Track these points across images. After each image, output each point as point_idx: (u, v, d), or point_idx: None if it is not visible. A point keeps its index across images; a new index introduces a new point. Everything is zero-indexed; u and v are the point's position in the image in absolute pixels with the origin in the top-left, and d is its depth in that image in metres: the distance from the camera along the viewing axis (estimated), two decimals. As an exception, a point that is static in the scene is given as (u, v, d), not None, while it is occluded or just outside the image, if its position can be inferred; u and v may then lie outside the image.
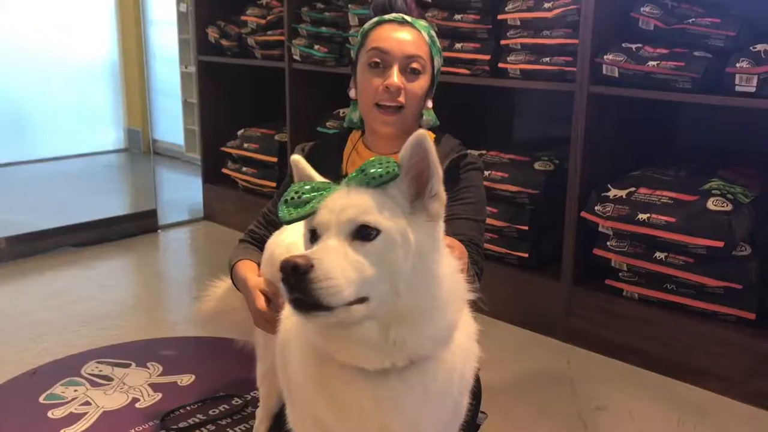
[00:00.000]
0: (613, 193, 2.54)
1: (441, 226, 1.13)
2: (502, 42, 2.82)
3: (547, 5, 2.66)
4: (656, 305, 2.49)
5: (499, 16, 2.81)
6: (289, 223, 1.09)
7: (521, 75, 2.77)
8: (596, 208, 2.54)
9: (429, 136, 1.08)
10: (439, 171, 1.09)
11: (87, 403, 2.30)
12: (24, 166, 5.54)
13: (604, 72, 2.50)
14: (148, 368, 2.54)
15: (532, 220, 2.79)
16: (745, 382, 2.29)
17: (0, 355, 2.64)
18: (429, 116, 1.76)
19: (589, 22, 2.50)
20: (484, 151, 2.94)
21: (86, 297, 3.22)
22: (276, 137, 3.93)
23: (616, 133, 2.69)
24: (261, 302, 1.58)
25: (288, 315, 1.32)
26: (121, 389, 2.39)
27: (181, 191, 5.01)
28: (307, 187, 1.12)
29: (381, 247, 1.04)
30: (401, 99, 1.65)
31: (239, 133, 4.15)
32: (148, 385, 2.42)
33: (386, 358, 1.09)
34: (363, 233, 1.04)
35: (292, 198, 1.10)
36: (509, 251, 2.83)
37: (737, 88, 2.23)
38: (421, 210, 1.10)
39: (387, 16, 1.70)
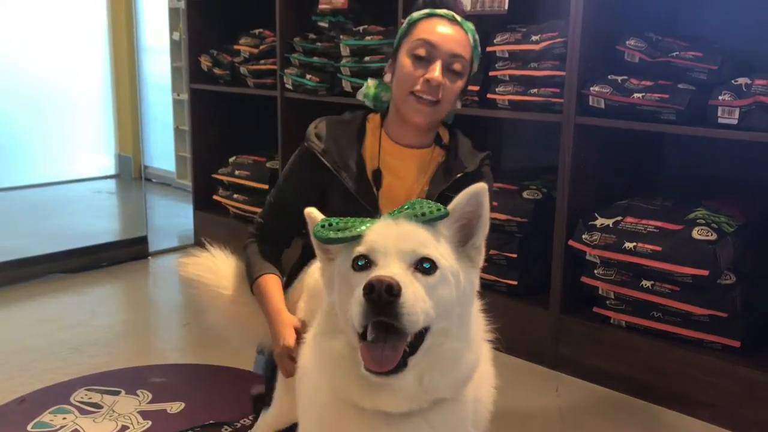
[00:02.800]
0: (600, 221, 2.58)
1: (479, 275, 1.14)
2: (491, 73, 2.87)
3: (534, 38, 2.72)
4: (643, 333, 2.51)
5: (488, 49, 2.86)
6: (330, 242, 1.07)
7: (510, 106, 2.82)
8: (583, 236, 2.58)
9: (487, 192, 1.10)
10: (487, 225, 1.12)
11: (76, 431, 2.30)
12: (14, 192, 5.53)
13: (590, 103, 2.55)
14: (138, 396, 2.53)
15: (521, 248, 2.83)
16: (731, 409, 2.31)
17: (-12, 383, 2.63)
18: (450, 115, 1.81)
19: (576, 54, 2.55)
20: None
21: (76, 324, 3.21)
22: (267, 164, 3.96)
23: (603, 163, 2.73)
24: (292, 339, 1.53)
25: (306, 350, 1.26)
26: (111, 417, 2.38)
27: (172, 218, 5.02)
28: (343, 220, 1.10)
29: (437, 284, 1.02)
30: (439, 95, 1.65)
31: (231, 160, 4.18)
32: (138, 412, 2.41)
33: (414, 403, 1.06)
34: (423, 266, 1.02)
35: (331, 225, 1.08)
36: (498, 279, 2.86)
37: (720, 120, 2.29)
38: (464, 257, 1.11)
39: (438, 11, 1.70)
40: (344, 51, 3.38)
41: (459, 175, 1.70)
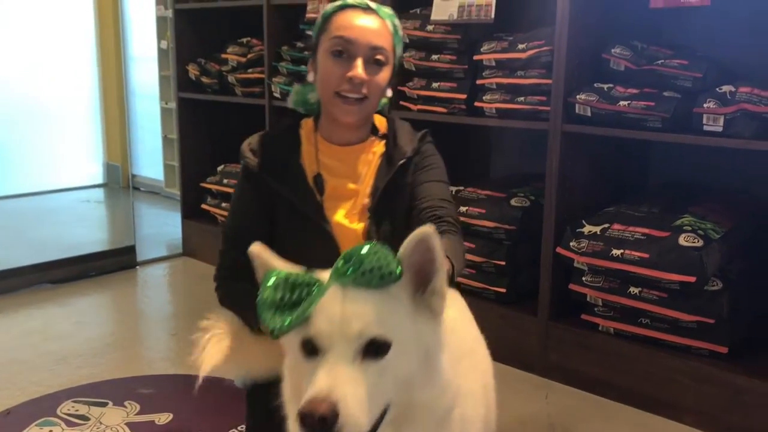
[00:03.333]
0: (588, 229, 2.59)
1: (442, 321, 1.05)
2: (478, 82, 2.89)
3: (521, 46, 2.73)
4: (631, 339, 2.52)
5: (475, 57, 2.88)
6: (280, 335, 0.99)
7: (497, 114, 2.83)
8: (571, 243, 2.59)
9: (433, 235, 0.99)
10: (443, 269, 1.02)
11: (62, 444, 2.28)
12: (1, 201, 5.51)
13: (577, 111, 2.57)
14: (126, 407, 2.52)
15: (509, 255, 2.83)
16: (719, 415, 2.32)
17: (-27, 395, 2.61)
18: (383, 102, 1.75)
19: (562, 63, 2.57)
20: (461, 188, 2.99)
21: (62, 335, 3.19)
22: (256, 173, 3.95)
23: (590, 171, 2.75)
24: None
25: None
26: (98, 429, 2.36)
27: (160, 227, 5.00)
28: (290, 281, 1.00)
29: (394, 361, 0.96)
30: (364, 91, 1.59)
31: (219, 168, 4.17)
32: (125, 424, 2.40)
33: None
34: (373, 348, 0.95)
35: (274, 301, 0.99)
36: (487, 286, 2.86)
37: (705, 128, 2.30)
38: (423, 306, 1.02)
39: (351, 1, 1.64)
40: (332, 59, 3.38)
41: (401, 162, 1.66)
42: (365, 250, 0.98)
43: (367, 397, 0.92)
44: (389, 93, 1.71)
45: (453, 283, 1.38)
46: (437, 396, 1.03)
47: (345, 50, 1.59)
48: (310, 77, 1.70)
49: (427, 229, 0.99)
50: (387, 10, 1.66)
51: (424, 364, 1.00)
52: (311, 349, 0.97)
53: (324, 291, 0.98)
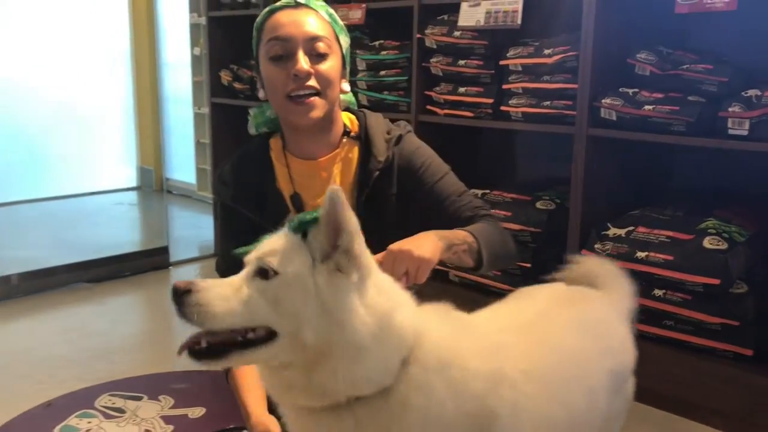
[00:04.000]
0: (613, 231, 2.61)
1: (354, 278, 1.12)
2: (504, 86, 2.93)
3: (546, 51, 2.77)
4: (656, 341, 2.54)
5: (501, 62, 2.92)
6: (240, 256, 1.19)
7: (523, 118, 2.87)
8: (596, 246, 2.61)
9: (341, 191, 1.09)
10: (350, 228, 1.10)
11: (100, 435, 2.37)
12: (39, 204, 5.66)
13: (602, 115, 2.60)
14: (160, 401, 2.60)
15: (535, 257, 2.86)
16: (744, 418, 2.33)
17: (15, 389, 2.71)
18: (347, 98, 1.68)
19: (588, 67, 2.60)
20: (487, 191, 3.03)
21: (99, 332, 3.29)
22: (286, 176, 4.03)
23: (615, 174, 2.77)
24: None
25: None
26: (134, 421, 2.45)
27: (192, 229, 5.10)
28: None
29: (276, 288, 1.10)
30: (313, 84, 1.52)
31: (250, 172, 4.26)
32: (160, 417, 2.48)
33: (317, 399, 1.12)
34: (262, 272, 1.12)
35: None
36: (511, 287, 2.88)
37: (730, 132, 2.32)
38: (333, 262, 1.11)
39: (277, 4, 1.58)
40: (360, 65, 3.45)
41: (376, 174, 1.59)
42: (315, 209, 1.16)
43: (230, 298, 1.10)
44: (346, 87, 1.64)
45: (492, 259, 1.54)
46: (354, 351, 1.09)
47: (283, 50, 1.53)
48: (261, 94, 1.65)
49: (334, 187, 1.09)
50: (318, 2, 1.60)
51: (324, 312, 1.09)
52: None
53: (276, 233, 1.18)
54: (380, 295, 1.14)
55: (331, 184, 1.49)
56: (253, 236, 1.45)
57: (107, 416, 2.49)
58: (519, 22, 2.78)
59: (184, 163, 6.08)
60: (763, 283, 2.43)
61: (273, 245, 1.14)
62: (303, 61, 1.51)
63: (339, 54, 1.59)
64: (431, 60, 3.15)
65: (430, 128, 3.12)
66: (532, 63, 2.83)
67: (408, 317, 1.16)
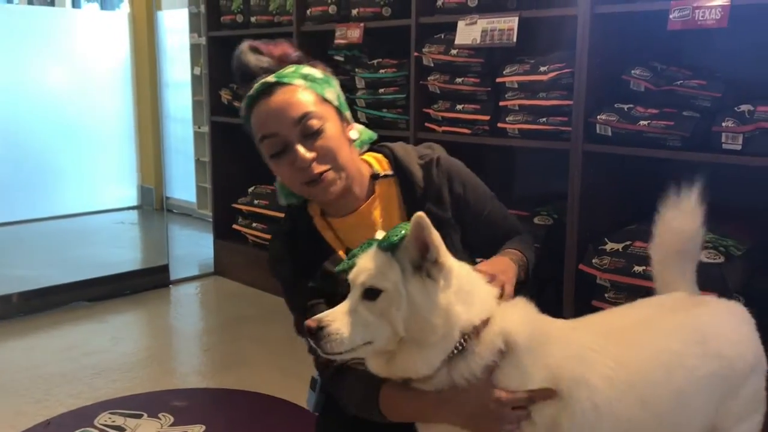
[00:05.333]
0: (610, 246, 2.62)
1: (441, 283, 1.30)
2: (501, 103, 2.95)
3: (542, 69, 2.80)
4: (654, 356, 2.54)
5: (498, 80, 2.95)
6: (340, 273, 1.37)
7: (519, 134, 2.89)
8: (594, 261, 2.63)
9: (424, 219, 1.25)
10: (436, 243, 1.27)
11: (100, 453, 2.37)
12: (39, 223, 5.68)
13: (597, 131, 2.62)
14: (160, 419, 2.60)
15: (533, 272, 2.87)
16: None
17: (15, 407, 2.71)
18: (364, 138, 1.62)
19: (583, 84, 2.63)
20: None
21: (99, 350, 3.30)
22: (285, 194, 4.05)
23: (612, 189, 2.79)
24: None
25: None
26: (134, 439, 2.46)
27: (193, 247, 5.12)
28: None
29: (382, 305, 1.28)
30: (321, 167, 1.47)
31: (250, 190, 4.29)
32: (160, 435, 2.49)
33: (411, 373, 1.33)
34: (369, 293, 1.28)
35: (353, 254, 1.36)
36: (511, 303, 2.90)
37: (724, 146, 2.34)
38: (425, 272, 1.29)
39: (252, 91, 1.49)
40: (359, 83, 3.48)
41: (426, 204, 1.56)
42: (400, 225, 1.31)
43: (352, 323, 1.27)
44: (354, 134, 1.58)
45: (531, 272, 1.64)
46: (426, 344, 1.29)
47: (278, 146, 1.47)
48: (279, 178, 1.60)
49: (418, 215, 1.25)
50: (289, 70, 1.51)
51: (411, 316, 1.28)
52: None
53: (365, 250, 1.34)
54: (458, 295, 1.31)
55: (376, 226, 1.55)
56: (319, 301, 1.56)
57: (107, 434, 2.49)
58: (514, 40, 2.81)
59: (184, 182, 6.11)
60: (759, 297, 2.44)
61: (369, 265, 1.30)
62: (302, 152, 1.46)
63: (333, 113, 1.52)
64: (429, 78, 3.18)
65: (428, 145, 3.15)
66: (528, 80, 2.86)
67: (479, 315, 1.33)
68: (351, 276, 1.32)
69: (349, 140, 1.56)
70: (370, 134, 1.65)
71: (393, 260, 1.29)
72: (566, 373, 1.32)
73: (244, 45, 1.57)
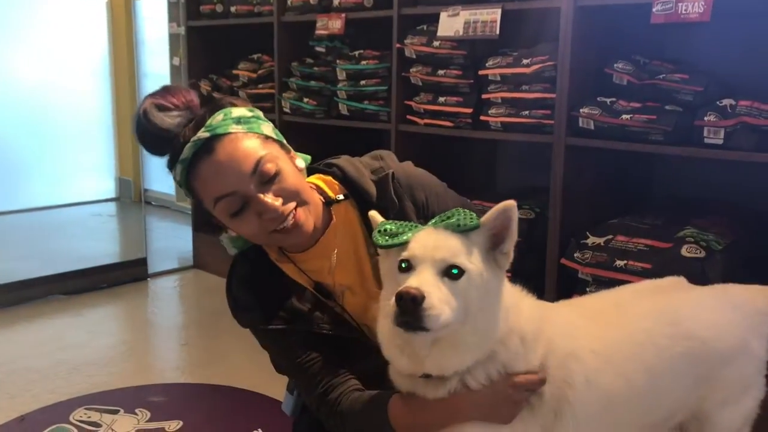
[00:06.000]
0: (592, 240, 2.62)
1: (504, 275, 1.31)
2: (484, 96, 2.94)
3: (525, 61, 2.79)
4: (635, 350, 2.54)
5: (480, 72, 2.93)
6: (384, 248, 1.27)
7: (502, 127, 2.88)
8: (575, 255, 2.62)
9: (515, 208, 1.24)
10: (515, 236, 1.26)
11: (75, 449, 2.33)
12: (16, 215, 5.59)
13: (580, 124, 2.61)
14: (137, 414, 2.56)
15: (515, 266, 2.86)
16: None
17: (-12, 402, 2.66)
18: (304, 166, 1.50)
19: (566, 77, 2.62)
20: (467, 200, 3.03)
21: (75, 344, 3.25)
22: (265, 187, 4.02)
23: (594, 183, 2.79)
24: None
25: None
26: (110, 435, 2.42)
27: (171, 240, 5.07)
28: (398, 222, 1.30)
29: (464, 285, 1.22)
30: (286, 208, 1.37)
31: (229, 182, 4.23)
32: (137, 431, 2.45)
33: (425, 370, 1.28)
34: (450, 272, 1.21)
35: (386, 230, 1.28)
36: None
37: (706, 140, 2.34)
38: (492, 260, 1.28)
39: (187, 153, 1.35)
40: (341, 75, 3.45)
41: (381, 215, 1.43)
42: (457, 210, 1.28)
43: (446, 298, 1.19)
44: (300, 163, 1.48)
45: None
46: (476, 342, 1.26)
47: (238, 204, 1.36)
48: (232, 232, 1.48)
49: (511, 203, 1.23)
50: (218, 118, 1.37)
51: (483, 301, 1.24)
52: (406, 267, 1.23)
53: (420, 230, 1.27)
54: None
55: (333, 253, 1.50)
56: (303, 340, 1.47)
57: (82, 430, 2.45)
58: (497, 32, 2.79)
59: (163, 174, 5.95)
60: (740, 291, 2.45)
61: (447, 243, 1.23)
62: (269, 201, 1.35)
63: (278, 148, 1.43)
64: (411, 70, 3.16)
65: (410, 138, 3.13)
66: (511, 73, 2.84)
67: (528, 323, 1.35)
68: (420, 251, 1.22)
69: (300, 171, 1.47)
70: (306, 158, 1.54)
71: (469, 240, 1.25)
72: (559, 348, 1.36)
73: (145, 106, 1.39)
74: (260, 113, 1.48)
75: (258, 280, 1.49)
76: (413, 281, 1.18)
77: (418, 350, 1.26)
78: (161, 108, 1.39)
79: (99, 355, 3.14)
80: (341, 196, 1.53)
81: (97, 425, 2.48)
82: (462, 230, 1.25)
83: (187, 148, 1.35)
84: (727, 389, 1.57)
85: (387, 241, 1.26)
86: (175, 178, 1.41)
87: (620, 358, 1.44)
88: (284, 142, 1.48)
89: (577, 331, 1.42)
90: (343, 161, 1.56)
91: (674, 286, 1.73)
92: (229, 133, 1.36)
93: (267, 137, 1.42)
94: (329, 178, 1.55)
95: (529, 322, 1.35)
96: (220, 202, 1.36)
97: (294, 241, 1.44)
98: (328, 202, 1.52)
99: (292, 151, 1.49)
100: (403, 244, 1.25)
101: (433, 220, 1.29)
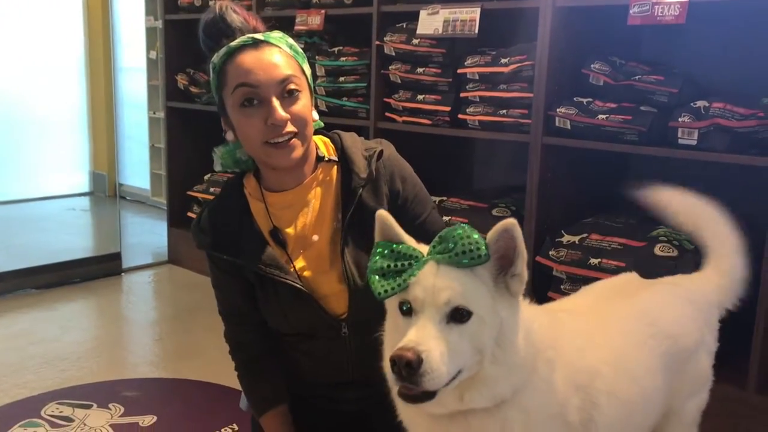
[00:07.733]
0: (567, 238, 2.65)
1: (521, 301, 1.20)
2: (462, 94, 2.95)
3: (503, 60, 2.81)
4: (608, 347, 2.57)
5: (459, 70, 2.94)
6: (384, 298, 1.16)
7: (480, 126, 2.89)
8: (550, 252, 2.65)
9: (516, 225, 1.13)
10: (524, 255, 1.15)
11: (46, 444, 2.30)
12: (-14, 208, 5.52)
13: (557, 124, 2.64)
14: (110, 409, 2.54)
15: (491, 264, 2.88)
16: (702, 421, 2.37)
17: (-42, 397, 2.62)
18: (315, 125, 1.62)
19: (543, 77, 2.64)
20: (444, 198, 3.05)
21: (47, 339, 3.21)
22: (242, 182, 4.00)
23: (570, 182, 2.81)
24: None
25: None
26: (82, 430, 2.39)
27: (146, 235, 5.03)
28: (395, 252, 1.17)
29: (473, 328, 1.12)
30: (292, 129, 1.48)
31: (206, 177, 4.21)
32: (110, 426, 2.43)
33: (455, 409, 1.19)
34: (457, 315, 1.11)
35: (382, 268, 1.17)
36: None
37: (680, 141, 2.38)
38: (503, 287, 1.17)
39: (235, 43, 1.48)
40: (319, 71, 3.44)
41: (360, 191, 1.56)
42: (458, 232, 1.14)
43: (448, 352, 1.09)
44: (316, 116, 1.60)
45: None
46: (500, 374, 1.16)
47: (254, 96, 1.46)
48: (230, 136, 1.59)
49: (511, 221, 1.12)
50: (276, 34, 1.54)
51: (500, 338, 1.15)
52: (407, 310, 1.15)
53: (422, 265, 1.15)
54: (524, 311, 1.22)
55: (308, 209, 1.57)
56: (244, 280, 1.57)
57: (54, 425, 2.42)
58: (476, 31, 2.81)
59: (138, 169, 5.98)
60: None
61: (449, 282, 1.12)
62: (279, 109, 1.46)
63: (307, 86, 1.54)
64: (390, 67, 3.16)
65: (388, 135, 3.09)
66: (489, 72, 2.86)
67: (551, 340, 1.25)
68: (421, 294, 1.12)
69: (312, 119, 1.58)
70: (319, 122, 1.65)
71: (475, 277, 1.13)
72: (581, 365, 1.29)
73: (224, 4, 1.56)
74: (305, 59, 1.59)
75: (225, 210, 1.60)
76: (412, 335, 1.09)
77: (442, 410, 1.18)
78: (236, 12, 1.55)
79: (71, 349, 3.10)
80: (332, 158, 1.63)
81: (70, 420, 2.45)
82: (471, 265, 1.13)
83: (240, 39, 1.49)
84: (691, 383, 1.61)
85: (386, 287, 1.15)
86: (213, 61, 1.51)
87: (628, 364, 1.41)
88: (313, 92, 1.62)
89: (587, 343, 1.35)
90: (345, 133, 1.67)
91: (632, 283, 1.72)
92: (279, 46, 1.51)
93: (304, 73, 1.55)
94: (328, 140, 1.66)
95: (544, 341, 1.25)
96: (241, 88, 1.46)
97: (278, 163, 1.51)
98: (319, 158, 1.61)
99: (313, 107, 1.60)
100: (405, 288, 1.15)
101: (435, 249, 1.16)
